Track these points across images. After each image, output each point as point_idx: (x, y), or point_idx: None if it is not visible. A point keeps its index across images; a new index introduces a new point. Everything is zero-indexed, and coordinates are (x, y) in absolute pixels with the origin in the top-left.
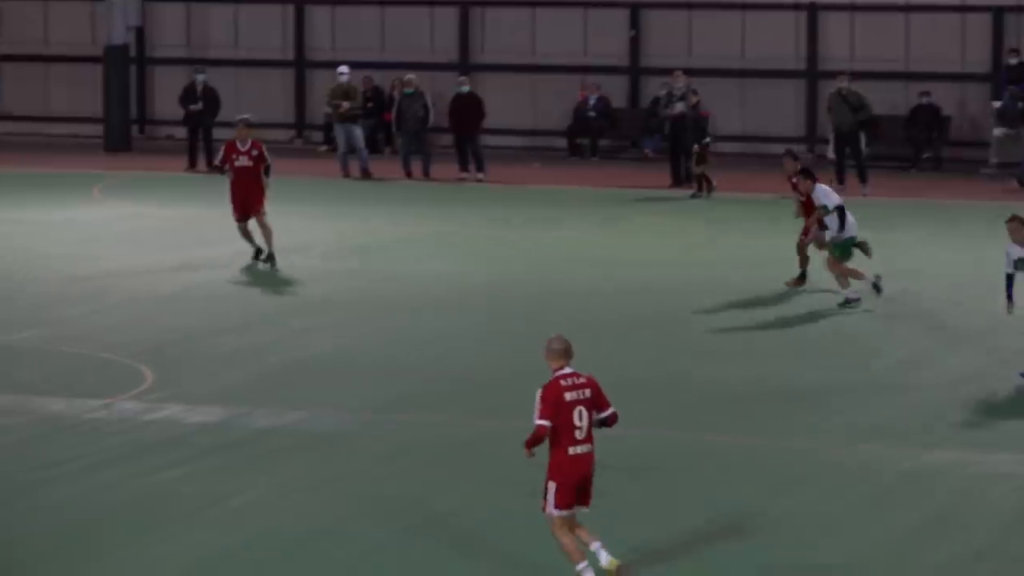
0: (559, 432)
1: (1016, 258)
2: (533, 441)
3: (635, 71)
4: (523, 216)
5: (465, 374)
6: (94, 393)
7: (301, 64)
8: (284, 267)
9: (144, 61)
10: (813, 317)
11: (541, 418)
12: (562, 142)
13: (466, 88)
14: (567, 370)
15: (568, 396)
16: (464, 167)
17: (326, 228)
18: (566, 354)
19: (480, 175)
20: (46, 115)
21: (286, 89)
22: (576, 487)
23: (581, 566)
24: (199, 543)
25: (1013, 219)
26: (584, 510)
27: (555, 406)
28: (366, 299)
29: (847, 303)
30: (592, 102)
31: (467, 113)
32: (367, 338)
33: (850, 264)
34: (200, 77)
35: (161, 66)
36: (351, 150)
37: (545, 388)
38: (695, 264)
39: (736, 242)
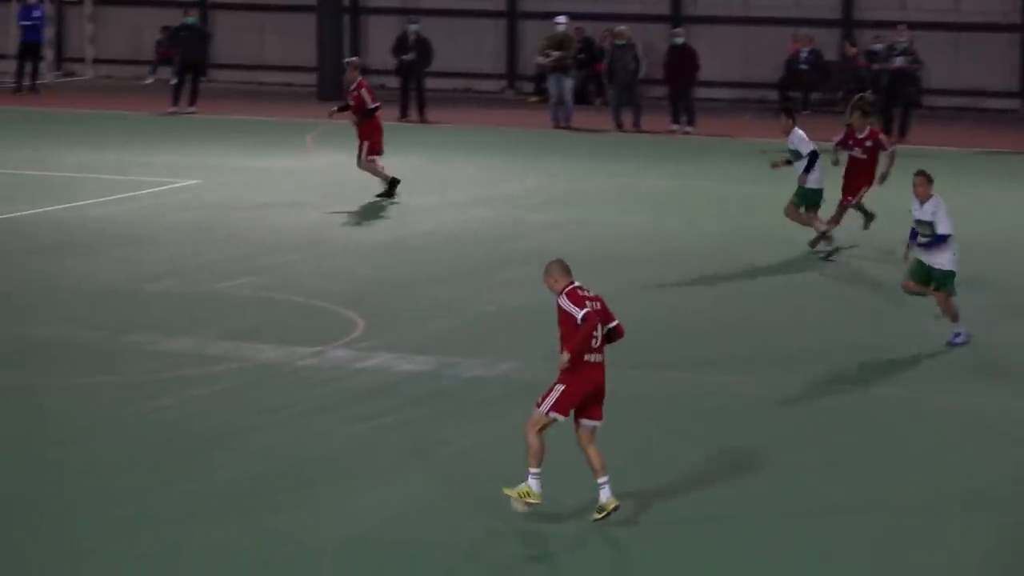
0: None
1: (917, 219)
2: (586, 335)
3: (848, 23)
4: (729, 169)
5: (670, 326)
6: (306, 341)
7: (513, 14)
8: (492, 217)
9: (358, 11)
10: (997, 274)
11: (582, 309)
12: (774, 95)
13: (680, 40)
14: (576, 283)
15: (587, 305)
16: (675, 119)
17: (535, 178)
18: (569, 270)
19: (689, 128)
20: (260, 64)
21: (497, 39)
22: (588, 395)
23: (534, 471)
24: (407, 492)
25: (921, 173)
26: (597, 423)
27: (583, 302)
28: (573, 250)
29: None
30: (804, 55)
31: (681, 65)
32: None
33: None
34: (412, 27)
35: (374, 16)
36: (560, 101)
37: (567, 294)
38: (889, 217)
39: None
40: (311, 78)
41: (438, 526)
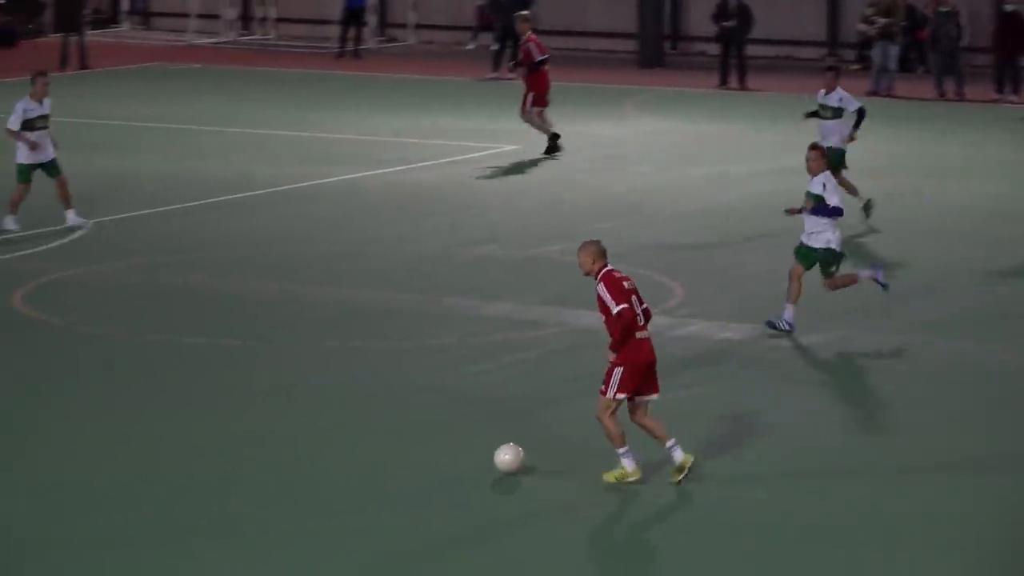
0: None
1: (807, 191)
2: (624, 330)
3: None
4: None
5: (998, 302)
6: None
7: None
8: (793, 186)
9: None
10: None
11: (619, 304)
12: None
13: (1011, 7)
14: (610, 265)
15: (625, 285)
16: (1000, 88)
17: (855, 147)
18: (606, 253)
19: (1014, 97)
20: (582, 30)
21: (819, 6)
22: (643, 372)
23: (622, 450)
24: (728, 460)
25: (815, 147)
26: (654, 397)
27: (621, 293)
28: (901, 218)
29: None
30: None
31: (1011, 33)
32: (901, 258)
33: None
34: None
35: None
36: (884, 68)
37: (605, 282)
38: None
39: None
40: (632, 44)
41: (756, 492)
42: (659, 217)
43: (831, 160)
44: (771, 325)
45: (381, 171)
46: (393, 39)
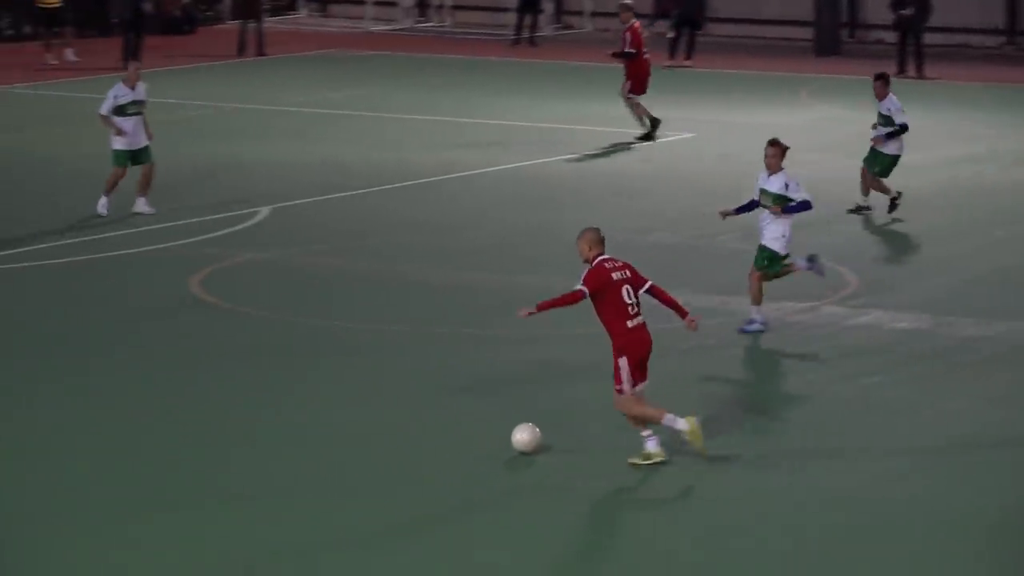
0: (615, 310)
1: (762, 188)
2: (560, 302)
3: None
4: None
5: None
6: (798, 296)
7: None
8: (981, 174)
9: None
10: None
11: (583, 285)
12: None
13: None
14: (606, 255)
15: (615, 276)
16: None
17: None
18: (603, 242)
19: None
20: (758, 18)
21: None
22: (640, 361)
23: (668, 418)
24: (884, 450)
25: (775, 144)
26: (644, 384)
27: (600, 283)
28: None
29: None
30: None
31: None
32: None
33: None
34: None
35: None
36: None
37: (591, 269)
38: None
39: None
40: (808, 32)
41: (913, 487)
42: (832, 205)
43: (880, 165)
44: (745, 331)
45: (554, 158)
46: (569, 26)
